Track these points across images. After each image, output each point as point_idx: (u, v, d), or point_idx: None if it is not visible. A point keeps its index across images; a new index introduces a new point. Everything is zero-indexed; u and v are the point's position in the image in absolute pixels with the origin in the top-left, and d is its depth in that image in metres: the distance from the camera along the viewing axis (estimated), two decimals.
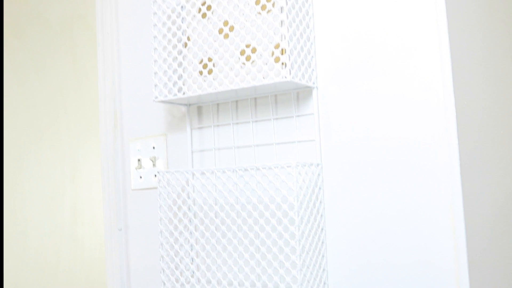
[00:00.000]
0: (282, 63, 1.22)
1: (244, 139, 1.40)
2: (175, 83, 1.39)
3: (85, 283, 1.98)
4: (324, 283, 1.27)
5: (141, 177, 1.62)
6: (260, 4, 1.28)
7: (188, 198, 1.36)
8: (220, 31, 1.32)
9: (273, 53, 1.27)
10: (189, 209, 1.37)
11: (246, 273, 1.26)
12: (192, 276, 1.38)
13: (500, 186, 1.37)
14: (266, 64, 1.24)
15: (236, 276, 1.30)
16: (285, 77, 1.20)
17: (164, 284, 1.39)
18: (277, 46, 1.26)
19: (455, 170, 1.13)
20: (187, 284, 1.36)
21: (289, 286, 1.21)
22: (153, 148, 1.59)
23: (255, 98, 1.39)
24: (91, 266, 1.96)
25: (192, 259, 1.37)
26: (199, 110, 1.48)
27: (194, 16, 1.37)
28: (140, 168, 1.62)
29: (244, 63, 1.28)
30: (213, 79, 1.33)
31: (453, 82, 1.14)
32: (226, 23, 1.31)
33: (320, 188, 1.28)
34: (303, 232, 1.20)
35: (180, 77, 1.39)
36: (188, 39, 1.39)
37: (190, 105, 1.48)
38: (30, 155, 2.16)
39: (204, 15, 1.36)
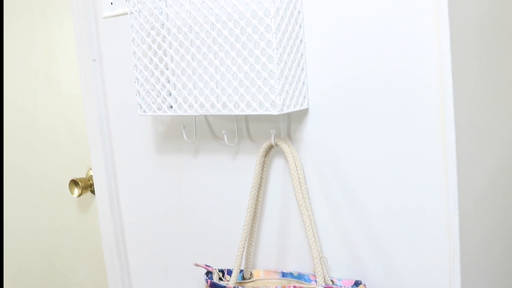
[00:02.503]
0: None
1: None
2: None
3: (64, 123, 1.95)
4: (304, 97, 1.23)
5: (111, 3, 1.53)
6: None
7: (161, 14, 1.29)
8: None
9: None
10: (162, 26, 1.31)
11: (223, 87, 1.23)
12: (169, 96, 1.34)
13: None
14: None
15: (213, 92, 1.26)
16: None
17: (141, 107, 1.36)
18: None
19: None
20: (164, 104, 1.33)
21: (267, 96, 1.18)
22: None
23: None
24: (69, 104, 1.92)
25: (168, 78, 1.33)
26: None
27: None
28: None
29: None
30: None
31: None
32: None
33: None
34: (281, 41, 1.15)
35: None
36: None
37: None
38: None
39: None
